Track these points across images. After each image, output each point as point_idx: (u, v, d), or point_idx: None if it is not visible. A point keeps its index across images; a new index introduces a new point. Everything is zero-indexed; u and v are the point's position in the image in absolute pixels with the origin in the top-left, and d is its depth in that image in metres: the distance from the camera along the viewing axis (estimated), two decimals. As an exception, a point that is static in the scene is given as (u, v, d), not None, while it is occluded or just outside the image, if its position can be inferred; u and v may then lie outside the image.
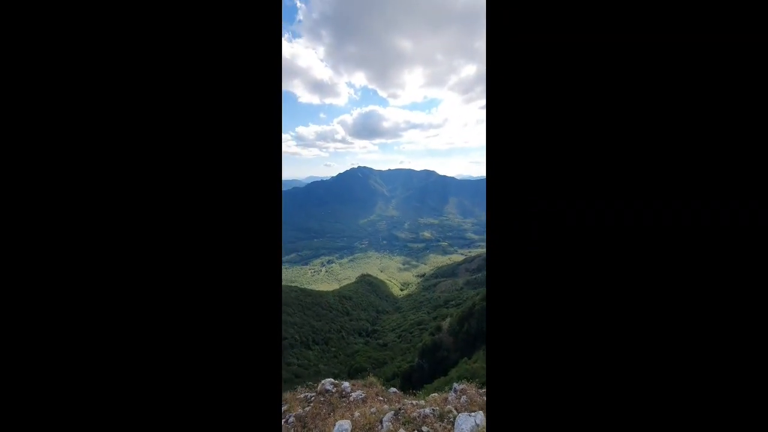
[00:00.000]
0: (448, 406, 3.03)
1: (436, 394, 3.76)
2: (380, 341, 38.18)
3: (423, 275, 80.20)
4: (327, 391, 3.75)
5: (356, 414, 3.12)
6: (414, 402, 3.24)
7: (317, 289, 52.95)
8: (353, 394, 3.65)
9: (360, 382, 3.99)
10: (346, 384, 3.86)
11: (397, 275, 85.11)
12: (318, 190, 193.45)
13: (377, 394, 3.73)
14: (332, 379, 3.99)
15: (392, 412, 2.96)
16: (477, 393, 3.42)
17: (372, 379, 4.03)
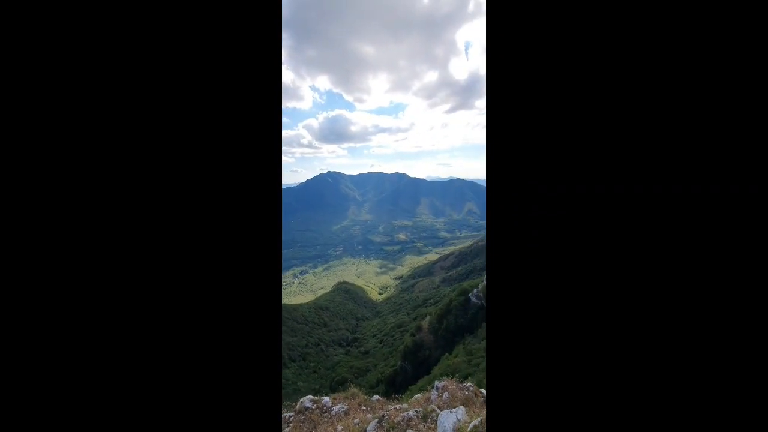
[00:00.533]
0: (431, 406, 3.06)
1: (419, 395, 3.77)
2: (362, 349, 37.45)
3: (400, 277, 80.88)
4: (306, 408, 3.55)
5: (339, 428, 2.99)
6: (397, 406, 3.20)
7: (290, 303, 50.38)
8: (335, 408, 3.50)
9: (341, 394, 3.84)
10: (326, 399, 3.69)
11: (374, 279, 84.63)
12: (287, 198, 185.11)
13: (360, 404, 3.62)
14: (311, 396, 3.79)
15: (375, 420, 2.89)
16: (458, 388, 3.50)
17: (354, 389, 3.92)
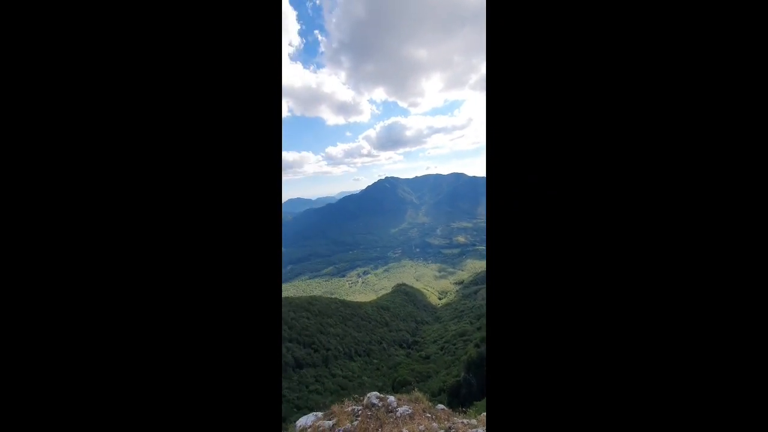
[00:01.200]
0: (504, 427, 2.79)
1: (488, 413, 3.48)
2: (422, 353, 36.90)
3: (461, 282, 76.45)
4: (373, 405, 3.73)
5: (404, 431, 3.04)
6: (465, 421, 3.05)
7: (355, 300, 53.74)
8: (399, 410, 3.57)
9: (405, 396, 3.90)
10: (391, 398, 3.81)
11: (433, 283, 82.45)
12: (349, 205, 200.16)
13: (424, 411, 3.60)
14: (377, 393, 3.97)
15: (443, 431, 2.82)
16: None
17: (418, 394, 3.91)
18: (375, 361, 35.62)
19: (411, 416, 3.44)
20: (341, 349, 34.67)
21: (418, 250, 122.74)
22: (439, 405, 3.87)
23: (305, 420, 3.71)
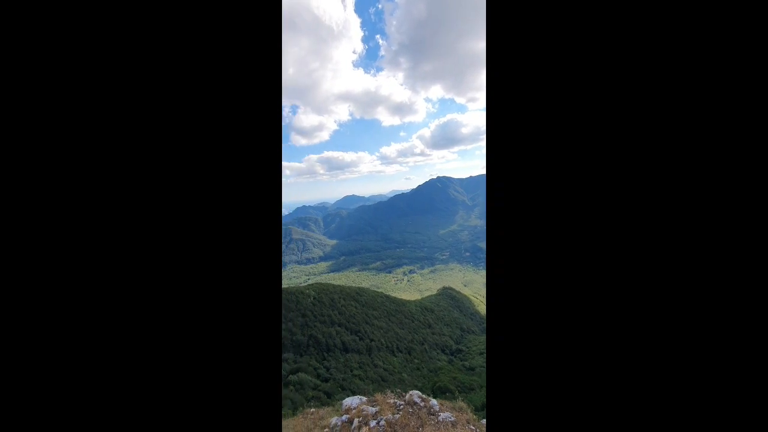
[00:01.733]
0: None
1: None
2: (466, 363, 34.95)
3: (517, 294, 68.62)
4: (415, 403, 3.79)
5: (446, 436, 3.01)
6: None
7: (400, 297, 54.29)
8: (442, 415, 3.53)
9: (449, 403, 3.83)
10: (434, 401, 3.79)
11: (483, 292, 76.74)
12: (399, 203, 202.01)
13: (468, 422, 3.47)
14: (419, 393, 4.00)
15: (487, 447, 2.69)
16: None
17: (462, 403, 3.80)
18: (416, 360, 35.40)
19: (453, 424, 3.37)
20: (384, 342, 35.57)
21: (468, 254, 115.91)
22: (485, 420, 3.67)
23: (350, 401, 4.02)
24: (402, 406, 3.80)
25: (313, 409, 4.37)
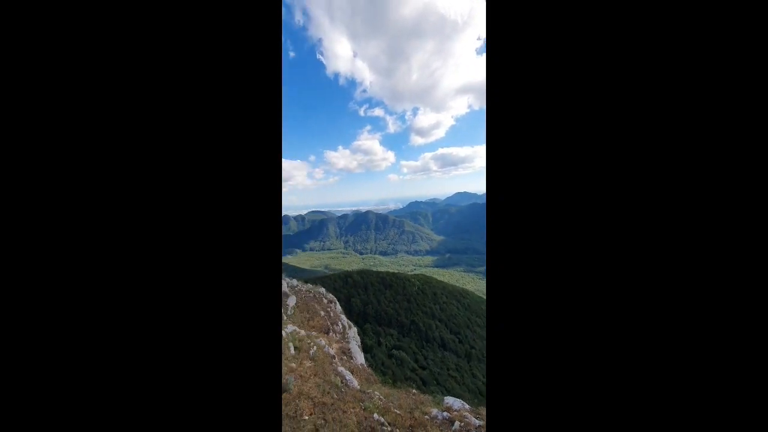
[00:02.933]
0: None
1: None
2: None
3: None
4: None
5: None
6: None
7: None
8: None
9: None
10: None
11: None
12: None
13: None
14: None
15: None
16: None
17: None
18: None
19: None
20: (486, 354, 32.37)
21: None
22: None
23: (452, 401, 3.96)
24: None
25: (415, 390, 4.63)
